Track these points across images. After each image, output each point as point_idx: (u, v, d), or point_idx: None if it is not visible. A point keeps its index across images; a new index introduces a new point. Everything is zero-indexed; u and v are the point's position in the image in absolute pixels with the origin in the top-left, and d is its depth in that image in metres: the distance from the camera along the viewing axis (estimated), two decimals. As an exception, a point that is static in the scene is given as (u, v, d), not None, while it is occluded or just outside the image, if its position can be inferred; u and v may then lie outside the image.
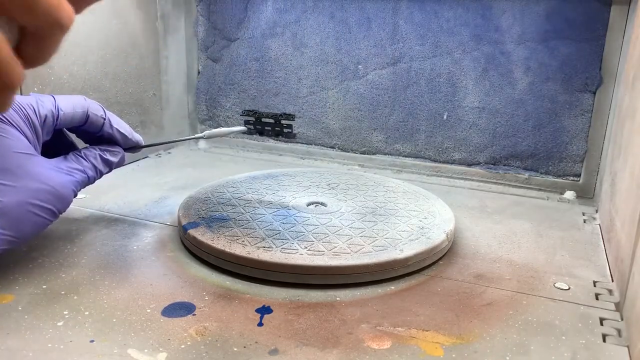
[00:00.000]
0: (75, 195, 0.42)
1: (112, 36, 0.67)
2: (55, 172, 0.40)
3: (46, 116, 0.41)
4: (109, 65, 0.68)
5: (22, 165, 0.37)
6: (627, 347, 0.35)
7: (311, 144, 0.81)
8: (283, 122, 0.51)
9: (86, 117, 0.44)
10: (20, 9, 0.20)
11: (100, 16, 0.65)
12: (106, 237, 0.48)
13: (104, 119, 0.45)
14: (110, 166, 0.46)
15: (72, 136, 0.47)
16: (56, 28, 0.21)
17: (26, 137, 0.39)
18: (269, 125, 0.51)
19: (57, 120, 0.42)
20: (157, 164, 0.74)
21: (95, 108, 0.44)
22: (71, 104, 0.43)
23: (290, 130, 0.51)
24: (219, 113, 0.85)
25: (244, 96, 0.82)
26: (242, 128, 0.51)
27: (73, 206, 0.55)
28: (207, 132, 0.51)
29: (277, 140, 0.82)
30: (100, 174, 0.45)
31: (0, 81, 0.20)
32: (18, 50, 0.21)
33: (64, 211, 0.41)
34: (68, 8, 0.21)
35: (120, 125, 0.46)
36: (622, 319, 0.38)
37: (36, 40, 0.21)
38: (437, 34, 0.70)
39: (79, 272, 0.42)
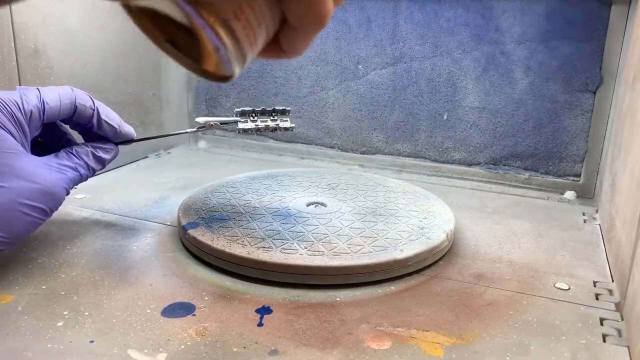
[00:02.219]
0: (68, 193, 0.41)
1: (112, 36, 0.67)
2: (45, 170, 0.39)
3: (32, 112, 0.40)
4: (109, 65, 0.68)
5: (10, 165, 0.37)
6: (627, 347, 0.35)
7: (311, 144, 0.81)
8: (279, 120, 0.50)
9: (74, 109, 0.42)
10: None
11: (100, 16, 0.65)
12: (106, 237, 0.48)
13: (93, 110, 0.43)
14: (103, 163, 0.45)
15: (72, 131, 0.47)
16: (317, 24, 0.21)
17: (12, 135, 0.38)
18: (264, 119, 0.50)
19: (43, 114, 0.41)
20: (157, 164, 0.74)
21: (84, 98, 0.43)
22: (57, 96, 0.41)
23: (287, 123, 0.51)
24: (219, 113, 0.85)
25: (244, 96, 0.82)
26: (238, 118, 0.50)
27: (73, 206, 0.55)
28: (200, 119, 0.50)
29: (277, 140, 0.82)
30: (93, 172, 0.44)
31: (312, 16, 0.20)
32: (276, 39, 0.21)
33: (57, 209, 0.40)
34: (331, 5, 0.21)
35: (109, 116, 0.45)
36: (622, 319, 0.38)
37: (294, 33, 0.21)
38: (437, 34, 0.70)
39: (79, 272, 0.42)
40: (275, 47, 0.21)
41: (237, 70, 0.19)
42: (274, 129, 0.51)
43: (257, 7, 0.19)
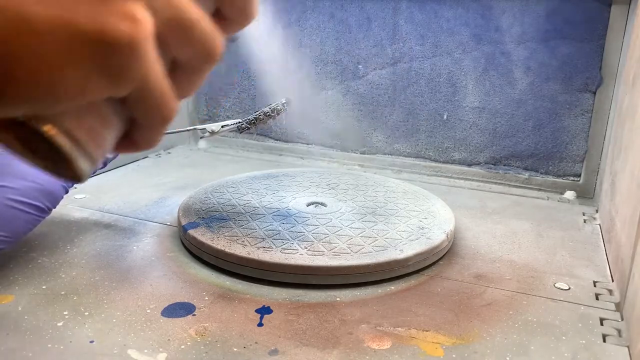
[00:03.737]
0: (67, 192, 0.42)
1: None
2: None
3: None
4: (109, 65, 0.68)
5: (8, 164, 0.37)
6: (627, 347, 0.35)
7: (311, 144, 0.81)
8: (277, 110, 0.51)
9: None
10: (176, 39, 0.19)
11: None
12: (106, 237, 0.48)
13: None
14: (105, 162, 0.46)
15: None
16: (207, 60, 0.20)
17: None
18: (262, 116, 0.51)
19: None
20: (157, 164, 0.74)
21: None
22: None
23: (283, 109, 0.51)
24: (219, 113, 0.85)
25: (244, 96, 0.82)
26: (237, 120, 0.51)
27: (73, 206, 0.55)
28: (208, 126, 0.51)
29: (277, 140, 0.82)
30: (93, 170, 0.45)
31: (157, 116, 0.20)
32: (128, 134, 0.21)
33: (55, 207, 0.41)
34: (220, 39, 0.20)
35: None
36: (622, 319, 0.38)
37: (185, 73, 0.21)
38: (437, 34, 0.70)
39: (79, 272, 0.42)
40: (128, 141, 0.22)
41: (88, 171, 0.20)
42: (271, 113, 0.50)
43: (100, 114, 0.19)
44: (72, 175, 0.20)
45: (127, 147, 0.22)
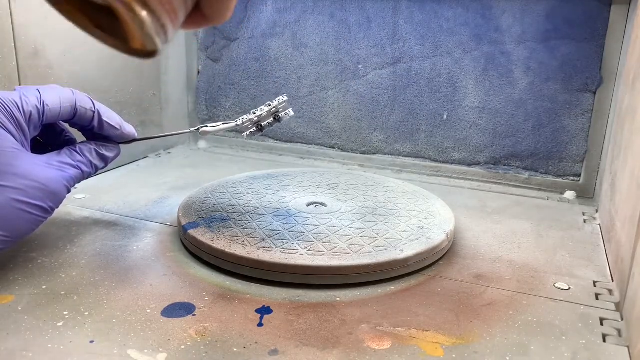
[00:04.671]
0: (69, 191, 0.41)
1: (112, 36, 0.67)
2: (44, 168, 0.39)
3: (31, 112, 0.40)
4: (109, 65, 0.68)
5: (10, 164, 0.37)
6: (627, 347, 0.35)
7: (311, 144, 0.81)
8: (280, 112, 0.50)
9: (74, 111, 0.43)
10: None
11: (100, 16, 0.65)
12: (106, 237, 0.48)
13: (93, 112, 0.44)
14: (106, 161, 0.46)
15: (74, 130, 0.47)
16: None
17: (12, 134, 0.38)
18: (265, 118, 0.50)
19: (43, 116, 0.41)
20: (157, 164, 0.74)
21: (84, 101, 0.43)
22: (57, 98, 0.42)
23: (285, 114, 0.50)
24: (219, 113, 0.85)
25: (244, 96, 0.82)
26: (236, 122, 0.50)
27: (73, 206, 0.55)
28: (203, 129, 0.50)
29: (277, 140, 0.82)
30: (95, 169, 0.45)
31: None
32: (198, 7, 0.21)
33: (57, 207, 0.40)
34: None
35: (110, 118, 0.45)
36: (622, 319, 0.38)
37: None
38: (437, 34, 0.70)
39: (79, 272, 0.42)
40: (198, 15, 0.21)
41: (160, 44, 0.20)
42: (274, 118, 0.50)
43: None
44: (142, 46, 0.19)
45: (198, 21, 0.21)
